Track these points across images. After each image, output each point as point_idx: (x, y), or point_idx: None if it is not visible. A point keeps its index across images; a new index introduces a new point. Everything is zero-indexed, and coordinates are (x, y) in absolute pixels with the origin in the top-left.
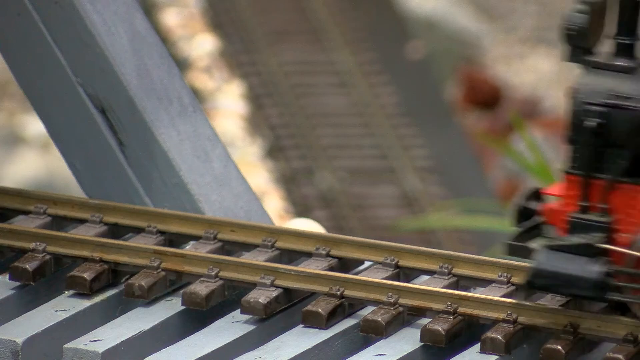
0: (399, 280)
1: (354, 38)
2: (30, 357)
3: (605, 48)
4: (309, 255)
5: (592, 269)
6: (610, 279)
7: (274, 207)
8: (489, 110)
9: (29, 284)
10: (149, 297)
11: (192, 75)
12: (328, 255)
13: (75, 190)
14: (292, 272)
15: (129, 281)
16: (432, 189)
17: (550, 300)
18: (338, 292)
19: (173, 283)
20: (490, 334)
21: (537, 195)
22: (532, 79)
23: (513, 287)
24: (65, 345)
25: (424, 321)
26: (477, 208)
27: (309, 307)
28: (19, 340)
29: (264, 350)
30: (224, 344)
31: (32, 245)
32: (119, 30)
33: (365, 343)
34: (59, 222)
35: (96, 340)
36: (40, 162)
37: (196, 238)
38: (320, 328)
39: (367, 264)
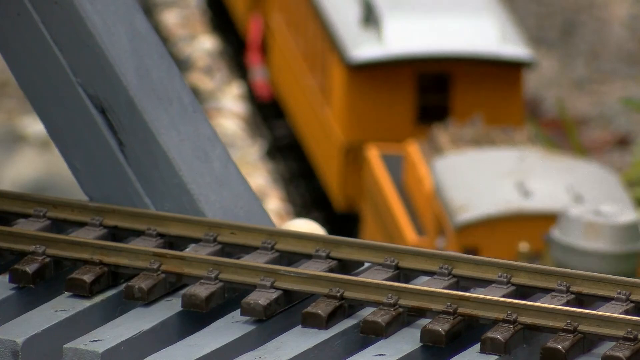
0: (399, 281)
1: None
2: (30, 357)
3: None
4: (308, 257)
5: None
6: None
7: (274, 207)
8: None
9: (29, 286)
10: (149, 299)
11: (193, 75)
12: (328, 257)
13: (75, 189)
14: (292, 274)
15: (129, 283)
16: None
17: (550, 300)
18: (338, 294)
19: (173, 285)
20: (490, 334)
21: None
22: (532, 80)
23: (513, 287)
24: (65, 345)
25: (424, 322)
26: None
27: (309, 309)
28: (19, 340)
29: (263, 350)
30: (224, 344)
31: (31, 247)
32: (119, 30)
33: (365, 343)
34: (59, 225)
35: (96, 341)
36: (40, 162)
37: (196, 241)
38: (320, 328)
39: (367, 265)
